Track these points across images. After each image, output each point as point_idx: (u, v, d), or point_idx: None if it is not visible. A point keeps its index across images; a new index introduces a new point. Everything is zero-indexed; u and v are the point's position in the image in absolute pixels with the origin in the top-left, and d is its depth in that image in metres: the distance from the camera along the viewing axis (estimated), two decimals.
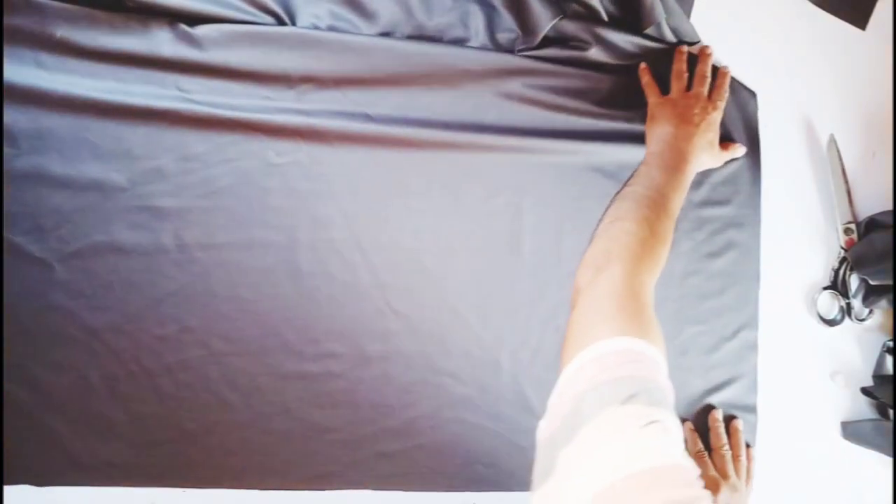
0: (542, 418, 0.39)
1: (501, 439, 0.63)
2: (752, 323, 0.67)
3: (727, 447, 0.64)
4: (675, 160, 0.57)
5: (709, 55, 0.65)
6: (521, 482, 0.63)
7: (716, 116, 0.63)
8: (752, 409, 0.67)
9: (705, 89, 0.64)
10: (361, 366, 0.62)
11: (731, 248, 0.67)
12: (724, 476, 0.62)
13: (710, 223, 0.67)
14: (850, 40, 0.71)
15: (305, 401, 0.61)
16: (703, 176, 0.67)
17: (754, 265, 0.68)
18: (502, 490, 0.63)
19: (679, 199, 0.54)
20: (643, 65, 0.66)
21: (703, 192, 0.67)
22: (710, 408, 0.66)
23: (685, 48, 0.66)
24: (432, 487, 0.63)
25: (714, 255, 0.67)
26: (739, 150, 0.67)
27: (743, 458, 0.64)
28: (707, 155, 0.62)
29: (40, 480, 0.58)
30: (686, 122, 0.60)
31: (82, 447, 0.59)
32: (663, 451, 0.33)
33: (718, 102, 0.64)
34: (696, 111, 0.61)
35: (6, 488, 0.58)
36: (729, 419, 0.66)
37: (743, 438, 0.65)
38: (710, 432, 0.65)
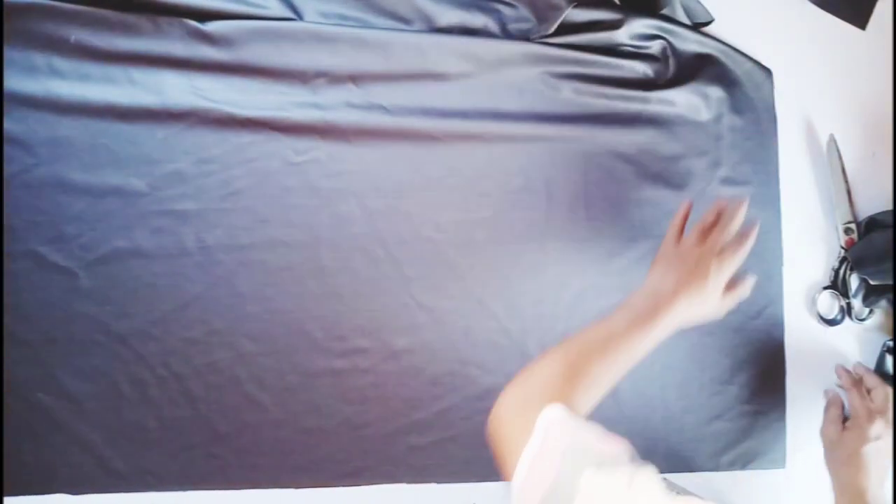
0: None
1: None
2: (777, 301, 0.67)
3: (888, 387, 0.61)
4: (649, 312, 0.51)
5: (740, 209, 0.56)
6: None
7: (713, 283, 0.53)
8: (781, 386, 0.67)
9: (718, 241, 0.54)
10: (389, 360, 0.62)
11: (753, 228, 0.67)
12: (882, 411, 0.60)
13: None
14: (850, 40, 0.70)
15: (335, 397, 0.61)
16: (722, 156, 0.67)
17: (776, 243, 0.68)
18: None
19: (633, 348, 0.49)
20: (687, 204, 0.59)
21: (723, 172, 0.67)
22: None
23: (724, 203, 0.57)
24: (466, 478, 0.63)
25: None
26: (745, 290, 0.57)
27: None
28: (698, 311, 0.54)
29: (76, 489, 0.58)
30: (681, 282, 0.52)
31: (116, 454, 0.59)
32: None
33: (726, 263, 0.54)
34: (695, 267, 0.53)
35: (42, 498, 0.58)
36: None
37: None
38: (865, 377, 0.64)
